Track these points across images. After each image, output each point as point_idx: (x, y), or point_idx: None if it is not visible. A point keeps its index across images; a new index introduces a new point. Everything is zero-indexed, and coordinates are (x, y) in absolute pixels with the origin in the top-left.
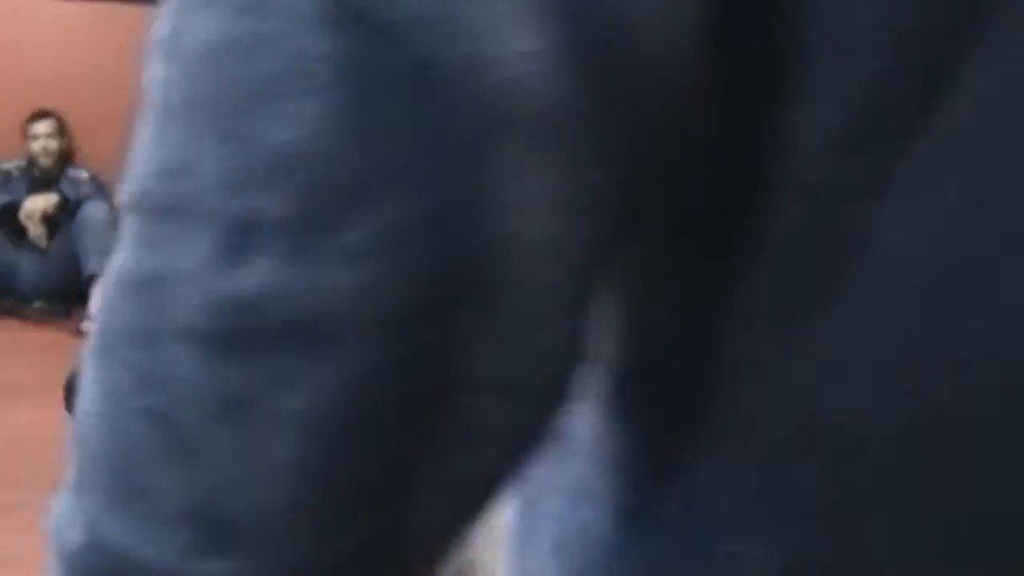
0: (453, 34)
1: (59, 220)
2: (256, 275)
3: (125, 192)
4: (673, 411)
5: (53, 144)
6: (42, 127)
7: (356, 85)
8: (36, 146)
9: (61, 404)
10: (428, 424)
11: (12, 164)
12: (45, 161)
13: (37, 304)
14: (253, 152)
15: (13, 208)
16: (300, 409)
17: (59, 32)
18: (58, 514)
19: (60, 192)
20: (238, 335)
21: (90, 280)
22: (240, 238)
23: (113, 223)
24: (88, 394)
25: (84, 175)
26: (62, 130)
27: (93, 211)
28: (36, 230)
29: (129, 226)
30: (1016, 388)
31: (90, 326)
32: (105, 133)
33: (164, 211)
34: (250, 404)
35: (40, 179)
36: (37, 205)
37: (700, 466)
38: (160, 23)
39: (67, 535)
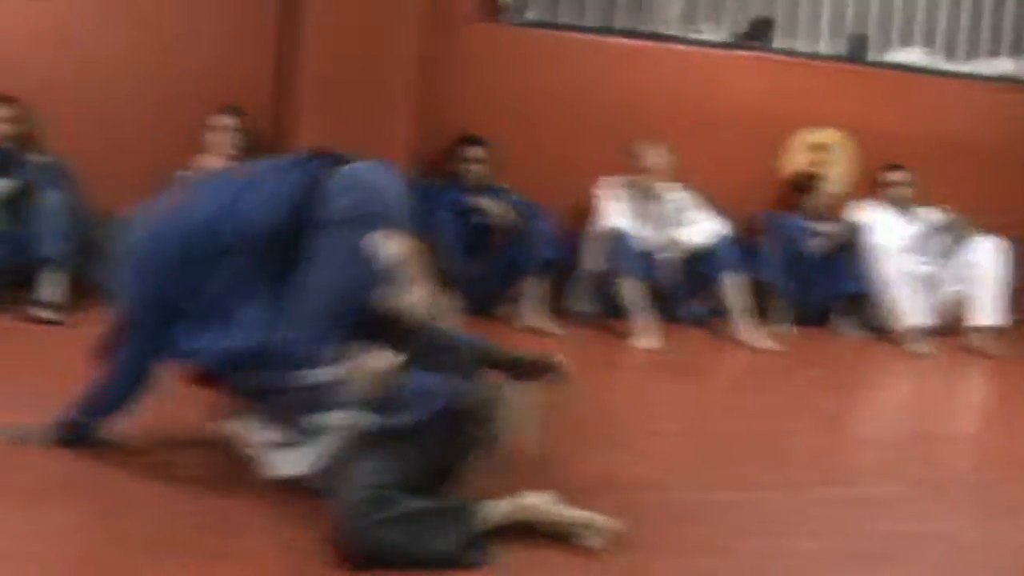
0: None
1: (15, 205)
2: None
3: None
4: None
5: (10, 129)
6: (2, 112)
7: None
8: None
9: (16, 387)
10: None
11: None
12: (4, 146)
13: None
14: None
15: None
16: None
17: (26, 19)
18: None
19: (17, 177)
20: None
21: (43, 265)
22: None
23: (69, 209)
24: None
25: (42, 160)
26: (22, 116)
27: (49, 197)
28: None
29: None
30: None
31: (42, 312)
32: (68, 120)
33: None
34: None
35: None
36: None
37: None
38: None
39: None
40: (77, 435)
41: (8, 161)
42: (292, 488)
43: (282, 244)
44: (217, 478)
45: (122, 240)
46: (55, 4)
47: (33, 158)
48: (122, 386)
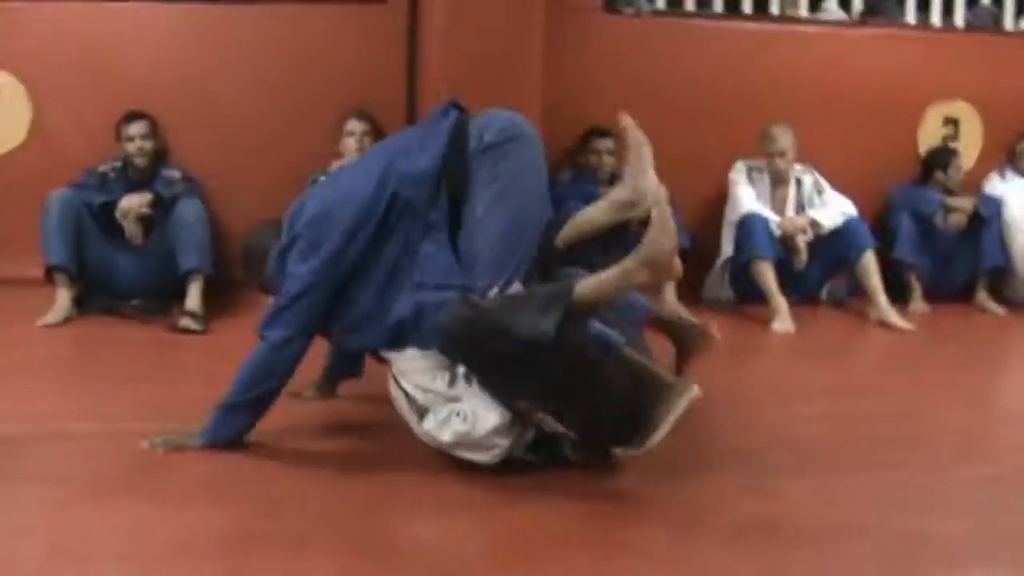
0: None
1: (153, 218)
2: None
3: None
4: None
5: (147, 145)
6: (135, 128)
7: None
8: (130, 147)
9: (158, 400)
10: None
11: (108, 165)
12: (140, 161)
13: (135, 302)
14: None
15: (109, 208)
16: None
17: (149, 34)
18: None
19: (154, 191)
20: None
21: (184, 276)
22: None
23: (205, 220)
24: None
25: (177, 174)
26: (155, 131)
27: (186, 209)
28: (131, 228)
29: None
30: None
31: (187, 322)
32: (196, 133)
33: None
34: None
35: (135, 179)
36: (132, 204)
37: None
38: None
39: None
40: (231, 433)
41: (144, 176)
42: (444, 467)
43: (446, 192)
44: (366, 468)
45: (276, 235)
46: (181, 17)
47: (167, 172)
48: (285, 363)
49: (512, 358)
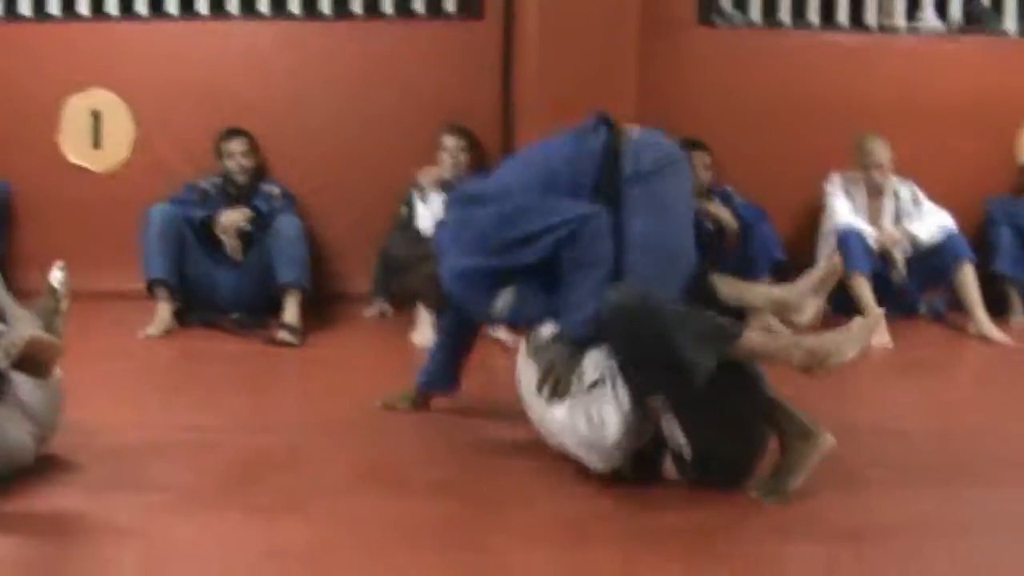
0: None
1: (252, 233)
2: None
3: None
4: None
5: (246, 161)
6: (236, 145)
7: None
8: (230, 163)
9: (254, 411)
10: None
11: (208, 181)
12: (240, 178)
13: (234, 316)
14: None
15: (209, 223)
16: None
17: (248, 52)
18: None
19: (253, 207)
20: None
21: (282, 290)
22: None
23: (303, 235)
24: None
25: (276, 190)
26: (254, 147)
27: (285, 224)
28: (231, 243)
29: None
30: None
31: (284, 335)
32: (294, 149)
33: None
34: None
35: (235, 195)
36: (231, 219)
37: None
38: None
39: None
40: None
41: (243, 191)
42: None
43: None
44: (455, 484)
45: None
46: (279, 35)
47: (266, 188)
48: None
49: (663, 362)
